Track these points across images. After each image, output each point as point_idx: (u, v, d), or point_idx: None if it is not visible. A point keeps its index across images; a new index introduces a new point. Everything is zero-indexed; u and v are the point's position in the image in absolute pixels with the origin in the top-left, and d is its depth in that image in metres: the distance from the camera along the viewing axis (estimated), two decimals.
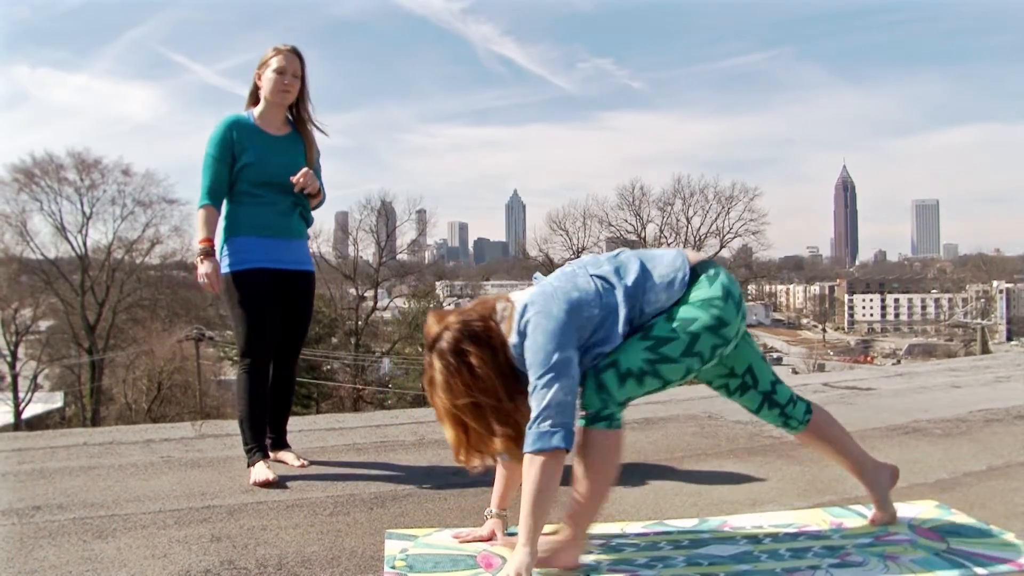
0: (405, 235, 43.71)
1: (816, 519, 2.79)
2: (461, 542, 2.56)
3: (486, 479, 3.36)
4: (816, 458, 3.65)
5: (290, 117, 3.57)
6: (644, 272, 2.40)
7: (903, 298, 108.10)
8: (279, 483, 3.28)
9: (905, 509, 2.79)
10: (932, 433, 4.13)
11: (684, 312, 2.37)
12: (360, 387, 34.56)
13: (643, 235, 41.28)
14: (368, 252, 41.48)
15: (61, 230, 36.06)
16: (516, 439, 2.30)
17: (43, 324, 37.44)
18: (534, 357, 2.25)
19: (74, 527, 2.74)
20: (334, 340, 38.71)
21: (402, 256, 44.04)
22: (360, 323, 38.41)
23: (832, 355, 73.66)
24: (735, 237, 41.34)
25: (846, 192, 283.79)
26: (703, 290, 2.40)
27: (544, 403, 2.20)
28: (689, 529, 2.70)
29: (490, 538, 2.55)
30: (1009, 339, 75.84)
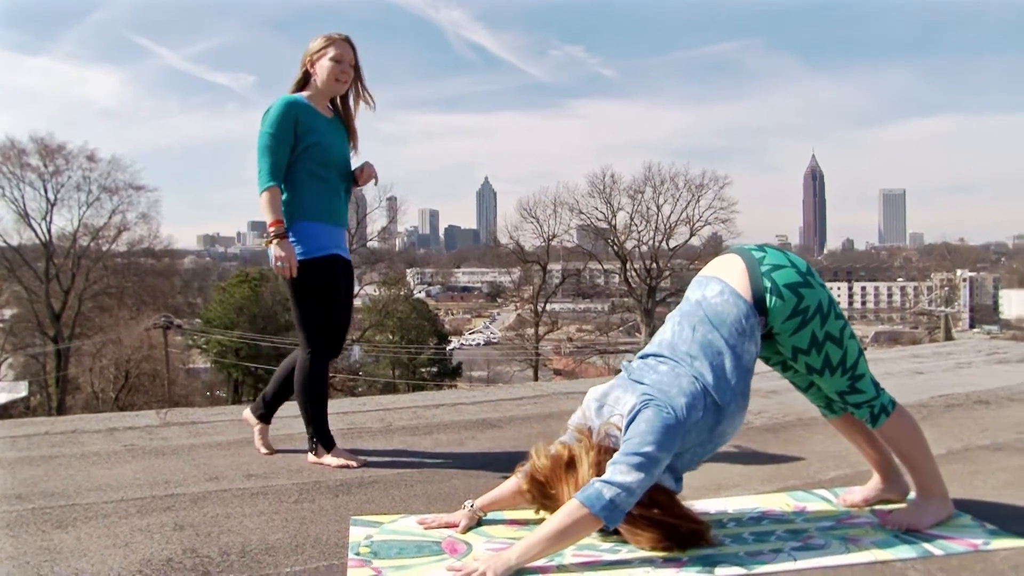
0: (375, 222, 43.50)
1: (780, 503, 2.81)
2: (426, 528, 2.56)
3: (453, 464, 3.37)
4: (780, 443, 3.70)
5: (330, 105, 3.53)
6: (732, 351, 2.44)
7: (870, 286, 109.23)
8: (360, 464, 3.35)
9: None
10: None
11: (809, 334, 2.49)
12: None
13: (613, 223, 41.43)
14: None
15: (24, 217, 35.54)
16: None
17: (7, 312, 36.89)
18: (641, 433, 2.27)
19: (33, 517, 2.70)
20: None
21: (372, 243, 43.83)
22: None
23: None
24: (705, 225, 41.59)
25: (815, 181, 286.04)
26: (785, 308, 2.47)
27: (627, 481, 2.21)
28: None
29: (455, 525, 2.55)
30: (972, 326, 76.99)
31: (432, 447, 3.65)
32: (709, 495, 2.91)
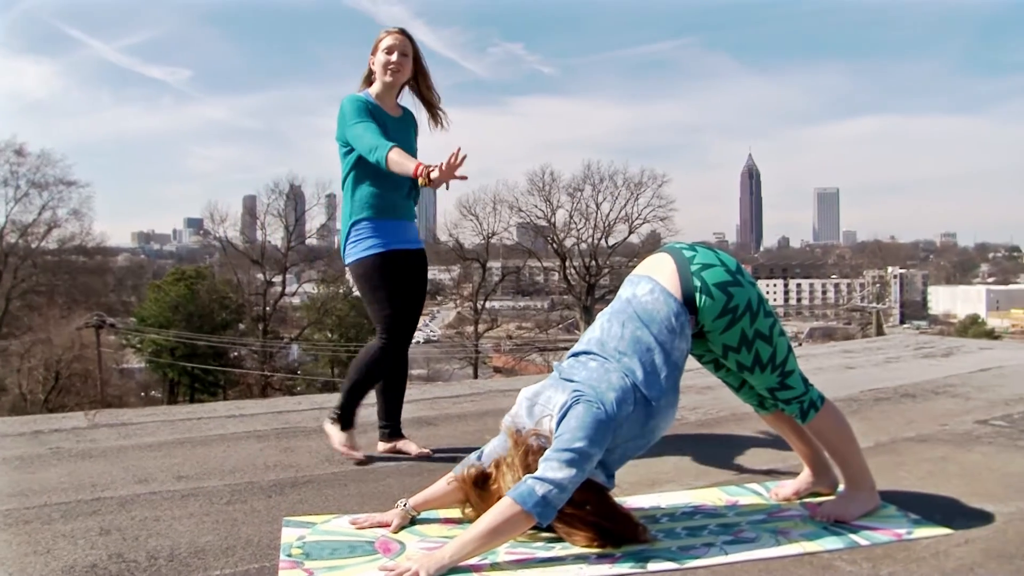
0: (314, 219, 43.15)
1: (712, 498, 2.85)
2: (358, 528, 2.53)
3: (387, 463, 3.35)
4: (714, 439, 3.75)
5: (398, 104, 3.55)
6: (662, 348, 2.46)
7: (805, 283, 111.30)
8: (365, 460, 3.37)
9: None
10: None
11: (737, 332, 2.52)
12: (268, 374, 34.04)
13: (553, 221, 41.60)
14: (276, 237, 40.80)
15: None
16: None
17: None
18: (572, 429, 2.28)
19: None
20: (242, 326, 38.06)
21: (311, 241, 43.46)
22: (268, 309, 37.79)
23: None
24: (644, 223, 42.01)
25: (751, 180, 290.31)
26: (715, 306, 2.50)
27: (558, 477, 2.22)
28: None
29: (388, 524, 2.53)
30: (902, 322, 78.89)
31: (367, 446, 3.61)
32: (643, 490, 2.94)
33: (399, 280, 3.42)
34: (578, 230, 41.75)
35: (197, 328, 34.16)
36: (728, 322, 2.50)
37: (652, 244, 42.01)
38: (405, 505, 2.58)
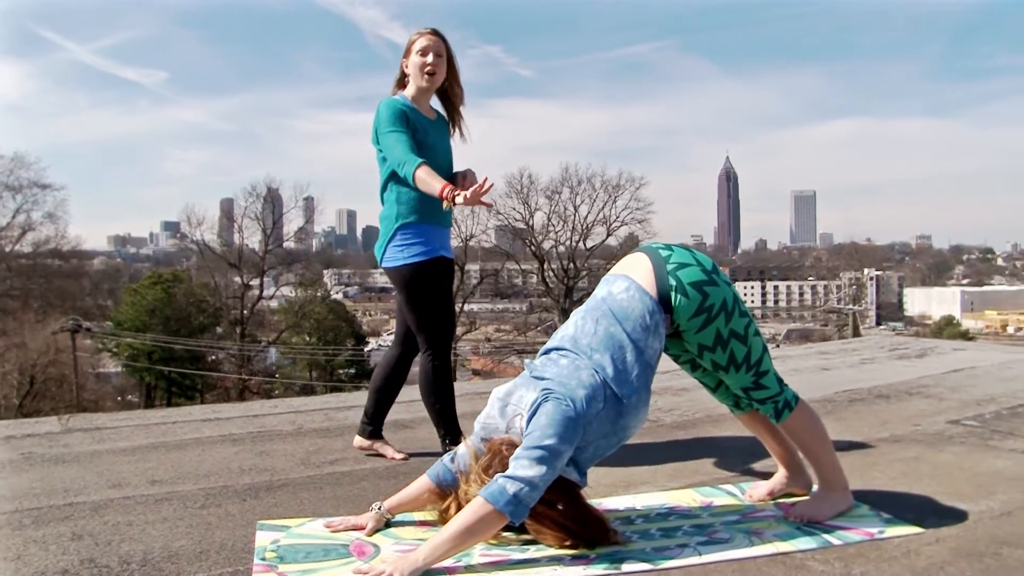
0: (292, 222, 43.01)
1: (687, 499, 2.86)
2: (333, 531, 2.53)
3: (363, 467, 3.34)
4: (689, 440, 3.76)
5: (432, 107, 3.53)
6: (635, 346, 2.46)
7: (782, 285, 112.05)
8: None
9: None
10: None
11: (714, 331, 2.53)
12: (246, 378, 33.85)
13: (531, 223, 41.59)
14: (254, 240, 40.52)
15: None
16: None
17: None
18: (542, 427, 2.28)
19: None
20: (219, 330, 37.80)
21: (289, 244, 43.30)
22: (246, 312, 37.55)
23: None
24: (622, 225, 42.07)
25: (729, 182, 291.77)
26: (690, 305, 2.51)
27: (529, 475, 2.22)
28: None
29: (363, 527, 2.52)
30: (879, 323, 79.54)
31: (343, 449, 3.61)
32: (619, 492, 2.95)
33: (441, 287, 3.44)
34: (556, 232, 41.78)
35: (174, 332, 33.91)
36: (703, 321, 2.51)
37: (630, 246, 42.08)
38: (380, 508, 2.58)
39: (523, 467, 2.24)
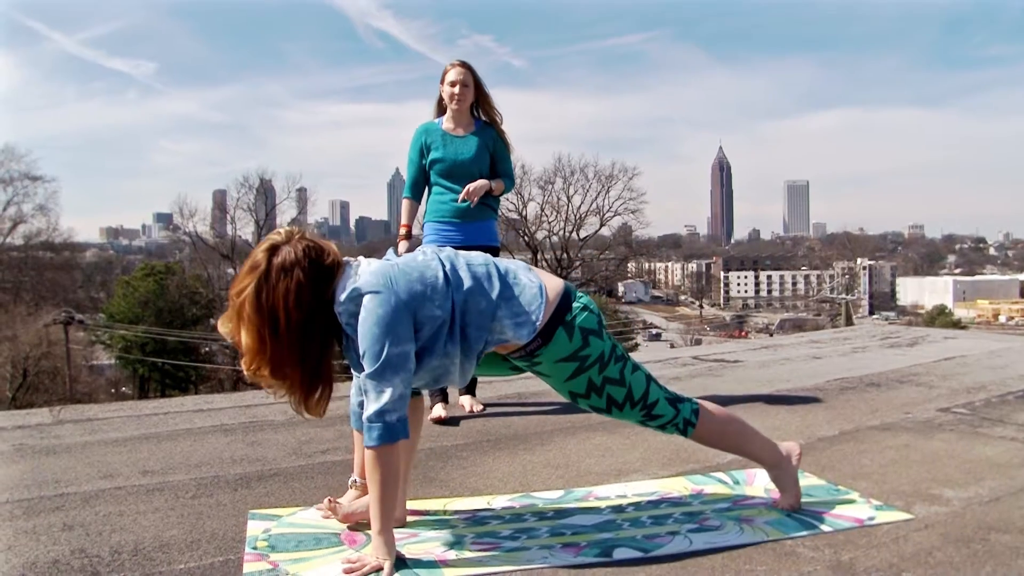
0: (285, 214, 42.86)
1: (678, 487, 2.87)
2: (325, 517, 2.53)
3: (352, 459, 3.33)
4: None
5: (474, 118, 4.21)
6: (505, 295, 2.31)
7: (775, 275, 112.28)
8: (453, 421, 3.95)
9: (762, 475, 2.89)
10: (791, 401, 4.31)
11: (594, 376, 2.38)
12: (239, 369, 33.72)
13: (524, 214, 41.55)
14: (247, 231, 40.48)
15: None
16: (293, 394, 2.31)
17: None
18: (368, 346, 2.14)
19: None
20: (212, 321, 37.56)
21: None
22: None
23: (709, 330, 75.84)
24: (615, 216, 42.04)
25: (722, 172, 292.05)
26: (567, 348, 2.34)
27: (387, 398, 2.12)
28: (555, 500, 2.74)
29: (351, 512, 2.51)
30: (871, 313, 79.86)
31: (335, 439, 3.61)
32: (611, 480, 2.96)
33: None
34: (549, 223, 41.76)
35: (167, 324, 33.85)
36: (574, 370, 2.37)
37: (623, 236, 42.16)
38: (355, 480, 2.59)
39: (372, 400, 2.14)
